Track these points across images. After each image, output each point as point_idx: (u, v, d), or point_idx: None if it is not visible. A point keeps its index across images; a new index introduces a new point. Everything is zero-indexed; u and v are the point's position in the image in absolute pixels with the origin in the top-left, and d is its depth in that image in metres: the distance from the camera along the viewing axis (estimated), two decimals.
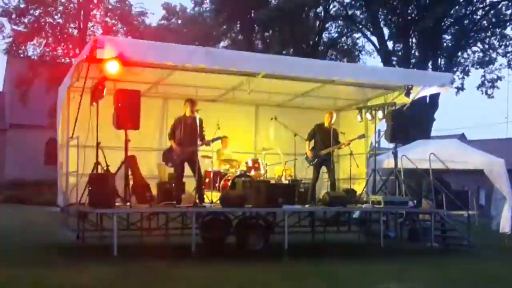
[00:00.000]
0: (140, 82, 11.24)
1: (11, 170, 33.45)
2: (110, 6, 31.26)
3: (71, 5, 30.80)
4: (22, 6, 29.55)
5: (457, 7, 26.52)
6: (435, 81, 12.71)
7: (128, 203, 10.08)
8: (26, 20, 29.87)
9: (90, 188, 9.72)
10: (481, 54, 28.67)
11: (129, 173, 10.43)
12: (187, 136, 10.94)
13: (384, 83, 12.63)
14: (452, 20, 27.12)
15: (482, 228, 14.17)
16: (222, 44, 33.57)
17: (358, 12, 29.39)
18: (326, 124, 12.43)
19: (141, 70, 10.44)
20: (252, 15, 28.95)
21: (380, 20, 27.83)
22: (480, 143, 25.51)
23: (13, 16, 29.59)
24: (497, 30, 27.73)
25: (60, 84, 11.70)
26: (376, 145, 14.29)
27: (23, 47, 30.72)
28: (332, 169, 12.52)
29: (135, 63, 10.09)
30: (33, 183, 28.79)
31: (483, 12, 27.10)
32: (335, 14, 30.01)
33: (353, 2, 28.44)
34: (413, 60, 26.52)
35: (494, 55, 28.42)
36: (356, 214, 13.64)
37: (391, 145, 13.29)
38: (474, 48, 28.80)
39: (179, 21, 39.77)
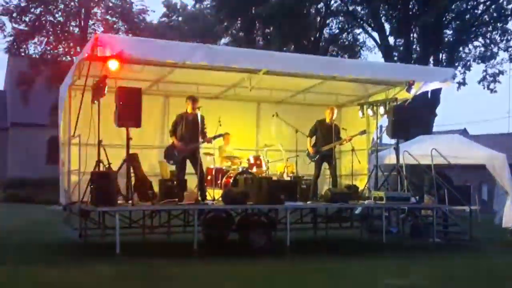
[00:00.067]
0: (141, 80, 11.24)
1: (13, 169, 33.51)
2: (110, 4, 31.21)
3: (72, 3, 30.78)
4: (23, 4, 29.50)
5: (458, 2, 26.43)
6: (436, 76, 12.67)
7: (130, 201, 10.09)
8: (27, 19, 29.84)
9: (92, 186, 9.72)
10: (482, 49, 28.59)
11: (131, 170, 10.43)
12: (188, 133, 10.95)
13: (385, 79, 12.60)
14: (453, 15, 27.02)
15: (485, 223, 14.17)
16: (223, 41, 33.58)
17: (359, 8, 29.31)
18: (327, 120, 12.43)
19: (142, 68, 10.44)
20: (253, 11, 28.89)
21: (381, 15, 27.77)
22: (482, 138, 25.52)
23: (14, 14, 29.56)
24: (498, 24, 27.62)
25: (61, 82, 11.72)
26: (378, 141, 14.26)
27: (24, 46, 30.70)
28: (333, 165, 12.51)
29: (136, 61, 10.09)
30: (35, 182, 28.83)
31: (484, 7, 27.00)
32: (336, 10, 29.94)
33: None
34: (414, 55, 26.43)
35: (495, 49, 28.37)
36: (358, 210, 13.66)
37: (393, 141, 13.26)
38: (476, 43, 28.74)
39: (180, 18, 39.82)
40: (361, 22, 29.59)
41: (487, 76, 28.72)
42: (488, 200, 24.67)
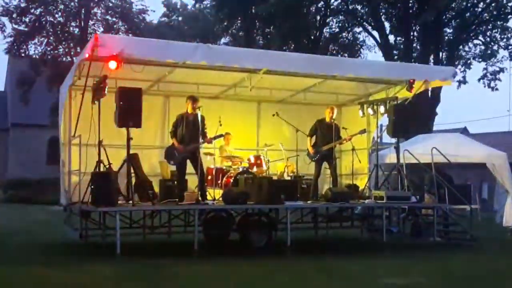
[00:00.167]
0: (141, 80, 11.23)
1: (13, 170, 33.53)
2: (110, 4, 31.23)
3: (72, 3, 30.79)
4: (23, 5, 29.51)
5: (458, 0, 26.41)
6: (437, 75, 12.65)
7: (131, 201, 10.09)
8: (27, 19, 29.84)
9: (92, 186, 9.72)
10: (482, 47, 28.59)
11: (131, 171, 10.43)
12: (189, 133, 10.95)
13: (385, 78, 12.58)
14: (453, 13, 27.02)
15: (485, 222, 14.17)
16: (223, 40, 33.59)
17: (359, 7, 29.30)
18: (327, 120, 12.41)
19: (142, 68, 10.44)
20: (253, 11, 28.89)
21: (381, 14, 27.76)
22: (483, 137, 25.50)
23: (14, 15, 29.57)
24: (498, 22, 27.62)
25: (62, 83, 11.73)
26: (378, 140, 14.26)
27: (24, 46, 30.69)
28: (334, 164, 12.51)
29: (136, 61, 10.08)
30: (36, 182, 28.83)
31: (484, 5, 26.97)
32: (336, 9, 29.93)
33: None
34: (414, 54, 26.45)
35: (495, 47, 28.34)
36: (358, 210, 13.65)
37: (394, 140, 13.26)
38: (476, 41, 28.74)
39: (180, 18, 39.81)
40: (361, 21, 29.59)
41: (488, 74, 28.73)
42: (488, 199, 24.66)
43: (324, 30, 30.67)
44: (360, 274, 8.76)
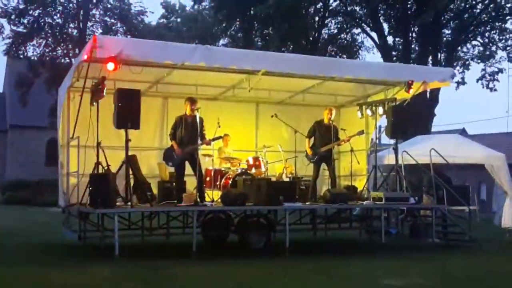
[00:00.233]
0: (140, 81, 11.23)
1: (12, 171, 33.56)
2: (109, 6, 31.26)
3: (70, 5, 30.80)
4: (21, 6, 29.54)
5: (457, 1, 26.43)
6: (435, 76, 12.67)
7: (129, 203, 10.08)
8: (25, 21, 29.88)
9: (91, 188, 9.72)
10: (481, 48, 28.60)
11: (130, 172, 10.42)
12: (187, 135, 10.95)
13: (384, 79, 12.59)
14: (452, 14, 27.04)
15: (484, 223, 14.16)
16: (221, 41, 33.57)
17: (357, 8, 29.31)
18: (325, 121, 12.43)
19: (140, 69, 10.43)
20: (251, 12, 28.88)
21: (380, 15, 27.76)
22: (481, 138, 25.51)
23: (13, 17, 29.59)
24: (497, 24, 27.63)
25: (60, 84, 11.72)
26: (377, 141, 14.25)
27: (23, 48, 30.73)
28: (332, 166, 12.52)
29: (134, 62, 10.08)
30: (34, 184, 28.87)
31: (483, 6, 26.99)
32: (335, 10, 29.95)
33: None
34: (413, 55, 26.45)
35: (494, 48, 28.36)
36: (357, 211, 13.64)
37: (392, 141, 13.26)
38: (474, 42, 28.75)
39: (179, 20, 39.76)
40: (360, 22, 29.58)
41: (486, 75, 28.74)
42: (487, 200, 24.70)
43: (323, 31, 30.68)
44: (358, 275, 8.76)
